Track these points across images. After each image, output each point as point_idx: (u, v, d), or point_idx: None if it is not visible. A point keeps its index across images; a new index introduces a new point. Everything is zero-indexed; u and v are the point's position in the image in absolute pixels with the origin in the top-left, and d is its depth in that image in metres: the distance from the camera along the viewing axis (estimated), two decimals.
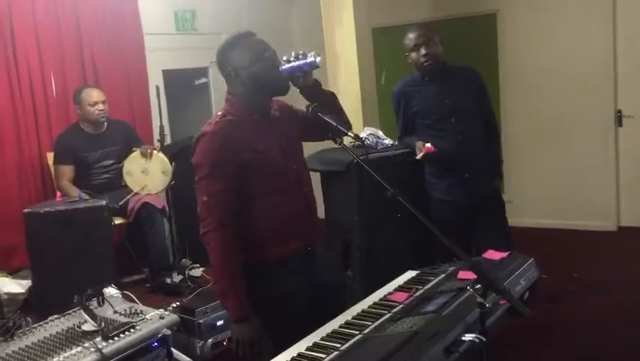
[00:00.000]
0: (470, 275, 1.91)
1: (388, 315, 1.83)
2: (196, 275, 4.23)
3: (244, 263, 2.04)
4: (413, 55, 3.22)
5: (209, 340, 2.92)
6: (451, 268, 2.15)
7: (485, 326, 1.58)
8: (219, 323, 2.98)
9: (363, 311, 1.92)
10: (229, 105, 2.13)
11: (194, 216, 4.60)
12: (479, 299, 1.56)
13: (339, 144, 2.04)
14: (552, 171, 5.41)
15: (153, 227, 4.21)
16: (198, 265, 4.33)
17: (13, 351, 2.34)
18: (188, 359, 2.75)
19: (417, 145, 3.28)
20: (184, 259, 4.34)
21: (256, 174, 2.03)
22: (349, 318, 1.88)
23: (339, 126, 2.02)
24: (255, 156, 2.03)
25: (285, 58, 2.09)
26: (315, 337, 1.78)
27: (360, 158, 2.01)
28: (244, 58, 2.07)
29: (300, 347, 1.73)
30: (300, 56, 2.06)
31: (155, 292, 4.03)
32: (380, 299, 2.00)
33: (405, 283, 2.14)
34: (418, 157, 3.26)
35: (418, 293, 1.98)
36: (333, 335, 1.77)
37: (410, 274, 2.24)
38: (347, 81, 4.63)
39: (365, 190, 3.33)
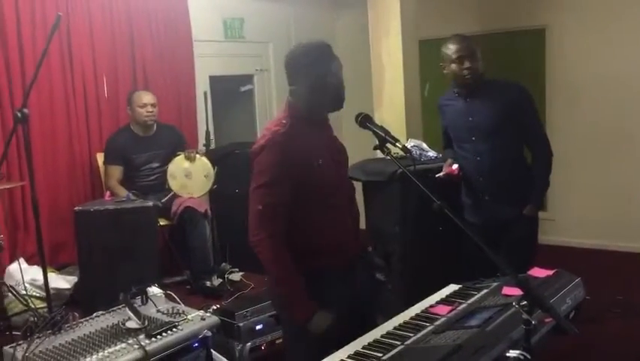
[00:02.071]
0: (515, 291, 1.89)
1: (431, 327, 1.82)
2: (235, 279, 4.27)
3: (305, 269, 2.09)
4: (453, 66, 3.05)
5: (248, 344, 2.94)
6: (495, 284, 2.13)
7: (530, 344, 1.56)
8: (258, 327, 3.01)
9: (405, 322, 1.92)
10: (292, 111, 2.13)
11: (234, 220, 4.70)
12: (525, 316, 1.54)
13: (387, 155, 2.05)
14: (598, 190, 5.30)
15: (195, 230, 4.28)
16: (237, 269, 4.38)
17: (60, 344, 2.39)
18: None
19: (446, 162, 3.22)
20: (224, 263, 4.39)
21: (311, 188, 2.05)
22: (390, 328, 1.89)
23: (387, 136, 2.04)
24: (313, 171, 2.06)
25: None
26: (356, 345, 1.79)
27: (408, 169, 2.01)
28: (321, 67, 2.08)
29: (342, 355, 1.74)
30: None
31: (195, 293, 4.09)
32: (422, 311, 1.99)
33: (447, 296, 2.13)
34: (437, 175, 3.18)
35: (460, 307, 1.96)
36: (375, 345, 1.78)
37: (452, 287, 2.23)
38: (392, 92, 4.65)
39: (407, 202, 3.33)
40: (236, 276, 4.30)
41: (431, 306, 2.03)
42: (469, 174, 3.13)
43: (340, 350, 1.77)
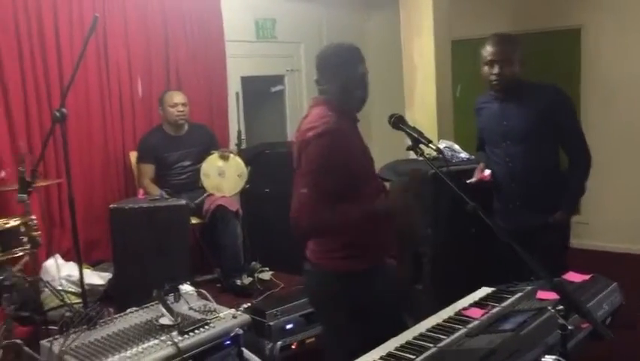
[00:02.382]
0: (550, 295, 1.86)
1: (464, 330, 1.81)
2: (265, 278, 4.30)
3: (334, 270, 2.14)
4: (484, 69, 2.98)
5: (279, 342, 2.96)
6: (529, 288, 2.11)
7: (567, 349, 1.54)
8: (289, 326, 3.02)
9: (437, 325, 1.91)
10: (331, 106, 2.17)
11: (265, 220, 4.73)
12: (561, 321, 1.52)
13: (420, 155, 2.05)
14: (633, 192, 5.19)
15: (227, 229, 4.31)
16: (267, 268, 4.40)
17: (95, 339, 2.43)
18: (258, 359, 2.79)
19: (478, 167, 3.14)
20: (254, 262, 4.42)
21: (354, 181, 2.08)
22: (423, 330, 1.88)
23: (420, 137, 2.03)
24: (356, 163, 2.11)
25: None
26: (388, 347, 1.79)
27: (440, 170, 2.00)
28: (356, 68, 2.18)
29: (374, 356, 1.74)
30: None
31: (225, 292, 4.12)
32: (455, 314, 1.98)
33: (480, 299, 2.11)
34: (468, 181, 3.09)
35: (494, 310, 1.95)
36: (408, 346, 1.77)
37: (485, 290, 2.21)
38: (423, 93, 4.62)
39: (439, 203, 3.31)
40: (266, 275, 4.32)
41: (464, 309, 2.02)
42: (500, 178, 3.05)
43: (372, 352, 1.77)
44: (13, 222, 3.06)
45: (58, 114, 2.94)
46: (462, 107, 5.07)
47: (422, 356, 1.66)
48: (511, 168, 3.00)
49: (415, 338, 1.82)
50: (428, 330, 1.87)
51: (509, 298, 2.06)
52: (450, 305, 2.09)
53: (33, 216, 3.15)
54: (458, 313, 1.98)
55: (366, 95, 2.24)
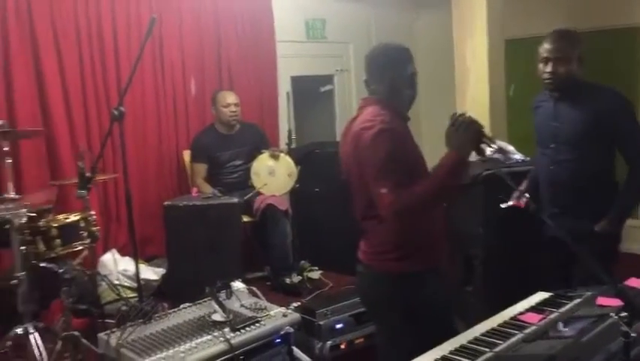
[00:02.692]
0: (611, 302, 1.81)
1: (521, 335, 1.77)
2: (314, 277, 4.32)
3: (386, 271, 2.14)
4: (540, 66, 2.81)
5: (329, 342, 2.96)
6: (588, 293, 2.04)
7: (630, 357, 1.49)
8: (339, 326, 3.02)
9: (492, 329, 1.87)
10: (381, 107, 2.16)
11: (313, 219, 4.74)
12: (624, 328, 1.47)
13: (481, 155, 2.02)
14: None
15: (276, 228, 4.35)
16: (317, 267, 4.42)
17: (151, 333, 2.49)
18: (308, 358, 2.81)
19: (514, 193, 2.90)
20: (303, 261, 4.45)
21: (410, 180, 2.05)
22: (477, 334, 1.85)
23: (482, 138, 2.01)
24: (411, 161, 2.09)
25: None
26: (442, 350, 1.77)
27: (497, 171, 1.97)
28: (405, 68, 2.19)
29: (428, 358, 1.72)
30: None
31: (275, 290, 4.16)
32: (510, 318, 1.94)
33: (537, 304, 2.06)
34: (502, 205, 2.95)
35: (552, 316, 1.90)
36: (462, 350, 1.75)
37: (542, 295, 2.16)
38: (476, 93, 4.56)
39: (492, 204, 3.25)
40: (315, 274, 4.34)
41: (520, 313, 1.97)
42: (546, 181, 2.90)
43: (426, 354, 1.75)
44: (73, 217, 3.16)
45: (116, 113, 3.02)
46: (515, 108, 4.97)
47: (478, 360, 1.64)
48: (552, 172, 2.85)
49: (469, 342, 1.79)
50: (483, 334, 1.84)
51: (567, 303, 2.00)
52: (501, 308, 2.05)
53: (92, 212, 3.25)
54: (514, 318, 1.94)
55: (415, 95, 2.24)
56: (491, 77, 4.49)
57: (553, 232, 2.77)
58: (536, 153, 3.06)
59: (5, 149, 2.72)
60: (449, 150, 2.00)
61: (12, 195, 2.71)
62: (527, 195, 2.81)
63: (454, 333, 1.90)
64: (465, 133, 1.98)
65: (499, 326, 1.90)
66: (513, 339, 1.76)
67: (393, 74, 2.17)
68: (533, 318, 1.90)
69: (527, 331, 1.81)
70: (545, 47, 2.81)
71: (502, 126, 4.67)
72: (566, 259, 2.75)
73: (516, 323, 1.89)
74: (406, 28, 6.53)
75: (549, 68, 2.79)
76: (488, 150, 2.09)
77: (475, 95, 4.55)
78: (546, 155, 2.90)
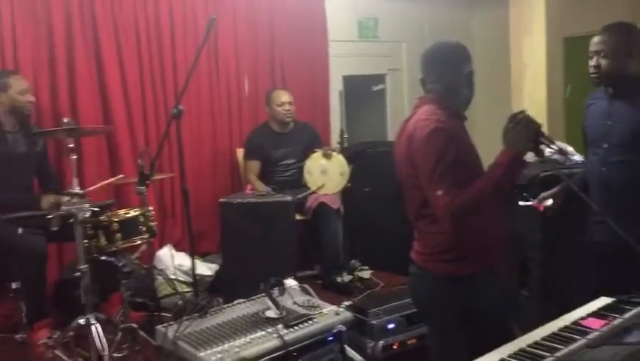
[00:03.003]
0: None
1: (584, 341, 1.72)
2: (365, 277, 4.31)
3: (440, 273, 2.11)
4: (590, 62, 2.67)
5: (381, 342, 2.95)
6: None
7: None
8: (391, 326, 3.00)
9: (553, 334, 1.83)
10: (437, 107, 2.12)
11: (364, 218, 4.73)
12: None
13: (540, 156, 1.98)
14: None
15: (328, 226, 4.36)
16: (367, 267, 4.41)
17: (206, 327, 2.54)
18: (360, 357, 2.81)
19: (540, 196, 2.84)
20: (353, 260, 4.45)
21: (467, 181, 2.02)
22: (537, 339, 1.81)
23: (541, 137, 1.96)
24: (468, 161, 2.04)
25: None
26: (501, 353, 1.74)
27: (557, 173, 1.93)
28: (462, 67, 2.15)
29: None
30: None
31: (326, 288, 4.17)
32: (572, 323, 1.89)
33: (599, 309, 2.00)
34: (520, 202, 2.88)
35: (616, 322, 1.84)
36: (522, 354, 1.71)
37: (604, 300, 2.09)
38: (532, 92, 4.47)
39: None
40: (366, 273, 4.34)
41: (582, 318, 1.92)
42: (595, 184, 2.73)
43: (483, 358, 1.73)
44: (133, 213, 3.25)
45: (175, 111, 3.09)
46: (573, 108, 4.84)
47: None
48: (603, 174, 2.68)
49: (529, 346, 1.76)
50: (543, 338, 1.80)
51: (632, 309, 1.93)
52: (556, 313, 2.00)
53: (150, 207, 3.33)
54: (576, 323, 1.89)
55: (472, 94, 2.20)
56: (549, 76, 4.39)
57: (601, 237, 2.69)
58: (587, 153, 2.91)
59: (70, 146, 2.82)
60: (505, 147, 1.96)
61: (77, 190, 2.80)
62: (551, 200, 2.74)
63: (509, 337, 1.86)
64: (523, 131, 1.94)
65: (560, 330, 1.86)
66: (575, 345, 1.71)
67: (449, 73, 2.14)
68: (596, 323, 1.85)
69: (590, 336, 1.76)
70: (593, 41, 2.67)
71: (559, 126, 4.56)
72: (611, 270, 2.65)
73: (578, 328, 1.84)
74: (461, 26, 6.44)
75: (593, 62, 2.65)
76: (547, 151, 2.04)
77: (533, 94, 4.46)
78: (597, 155, 2.73)
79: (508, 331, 2.13)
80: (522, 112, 1.99)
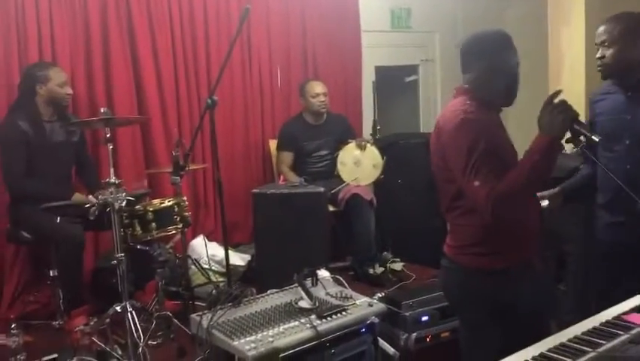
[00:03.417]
0: None
1: (626, 336, 1.68)
2: (397, 269, 4.28)
3: (471, 267, 2.09)
4: (596, 54, 2.55)
5: (414, 334, 2.92)
6: None
7: None
8: (424, 318, 2.97)
9: (594, 328, 1.79)
10: (469, 97, 2.08)
11: (396, 210, 4.69)
12: None
13: (581, 148, 1.92)
14: None
15: (360, 218, 4.34)
16: (399, 259, 4.39)
17: (240, 317, 2.55)
18: (393, 349, 2.79)
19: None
20: (385, 252, 4.42)
21: (500, 174, 1.98)
22: (578, 333, 1.77)
23: (582, 129, 1.91)
24: (498, 155, 1.98)
25: None
26: (540, 347, 1.71)
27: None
28: (509, 60, 2.08)
29: (525, 355, 1.67)
30: None
31: (358, 280, 4.15)
32: (614, 318, 1.85)
33: None
34: None
35: None
36: (562, 349, 1.68)
37: None
38: (570, 82, 4.36)
39: (590, 201, 3.10)
40: (398, 266, 4.30)
41: (624, 313, 1.87)
42: (607, 185, 2.58)
43: (522, 351, 1.69)
44: (167, 202, 3.28)
45: (209, 101, 3.10)
46: None
47: (580, 360, 1.57)
48: (628, 172, 2.50)
49: (570, 341, 1.72)
50: (584, 333, 1.76)
51: None
52: (594, 308, 1.96)
53: (184, 197, 3.36)
54: (618, 318, 1.84)
55: (513, 85, 2.10)
56: (588, 67, 4.27)
57: (614, 238, 2.59)
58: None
59: (107, 135, 2.86)
60: (540, 133, 1.90)
61: (113, 179, 2.84)
62: (547, 202, 2.56)
63: (545, 332, 1.82)
64: (559, 116, 1.87)
65: (601, 325, 1.81)
66: (618, 340, 1.67)
67: (483, 63, 2.07)
68: (639, 319, 1.80)
69: (634, 332, 1.72)
70: (599, 31, 2.58)
71: None
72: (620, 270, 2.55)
73: (620, 324, 1.80)
74: (495, 16, 6.31)
75: (599, 53, 2.55)
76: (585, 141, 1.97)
77: (571, 85, 4.35)
78: (617, 153, 2.55)
79: (544, 326, 2.10)
80: (559, 92, 1.94)
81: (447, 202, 2.15)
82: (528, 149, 1.92)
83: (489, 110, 2.09)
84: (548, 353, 1.66)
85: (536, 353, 1.67)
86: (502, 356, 1.67)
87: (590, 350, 1.63)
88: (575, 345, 1.69)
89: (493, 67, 2.06)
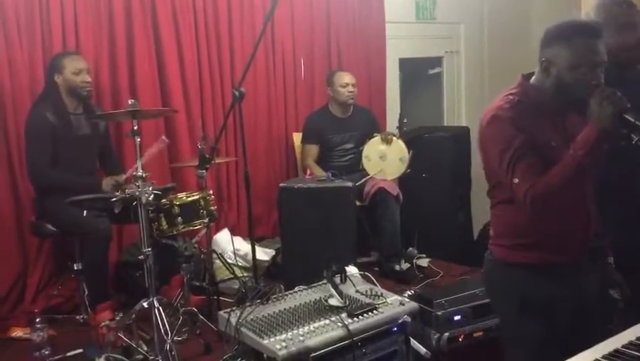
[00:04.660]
0: None
1: None
2: (423, 265, 4.22)
3: (502, 259, 2.04)
4: None
5: (446, 333, 2.86)
6: None
7: None
8: (456, 317, 2.91)
9: None
10: (520, 88, 1.99)
11: (421, 205, 4.62)
12: None
13: (636, 143, 1.82)
14: None
15: (386, 213, 4.27)
16: (425, 255, 4.32)
17: (269, 314, 2.49)
18: (424, 349, 2.73)
19: None
20: (410, 248, 4.35)
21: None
22: (633, 339, 1.69)
23: (630, 119, 1.80)
24: (549, 151, 1.89)
25: None
26: (593, 354, 1.63)
27: None
28: (564, 58, 1.86)
29: None
30: None
31: (384, 276, 4.08)
32: None
33: None
34: None
35: None
36: (616, 355, 1.60)
37: None
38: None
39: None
40: (424, 262, 4.25)
41: None
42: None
43: (576, 357, 1.62)
44: (193, 197, 3.22)
45: (237, 93, 3.04)
46: None
47: None
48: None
49: (624, 347, 1.64)
50: (639, 338, 1.68)
51: None
52: None
53: (210, 191, 3.31)
54: None
55: (584, 95, 1.82)
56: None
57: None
58: None
59: (135, 128, 2.80)
60: (589, 125, 1.80)
61: (140, 172, 2.79)
62: None
63: (592, 335, 1.73)
64: (608, 107, 1.76)
65: None
66: None
67: (546, 55, 1.90)
68: None
69: None
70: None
71: None
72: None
73: None
74: (522, 6, 6.18)
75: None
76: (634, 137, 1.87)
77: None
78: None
79: (595, 332, 1.99)
80: (600, 84, 1.82)
81: (488, 192, 2.12)
82: (574, 142, 1.83)
83: (530, 106, 1.94)
84: (601, 360, 1.58)
85: (590, 360, 1.59)
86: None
87: None
88: (629, 351, 1.61)
89: (550, 60, 1.90)
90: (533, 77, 2.00)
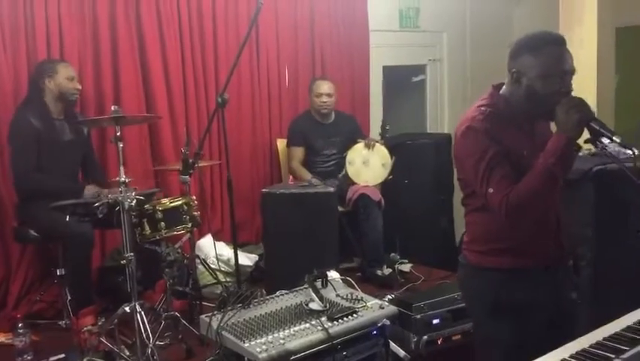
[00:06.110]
0: None
1: None
2: (405, 270, 4.26)
3: (474, 263, 2.09)
4: None
5: (424, 337, 2.90)
6: None
7: None
8: (435, 321, 2.95)
9: (616, 334, 1.75)
10: (491, 99, 2.04)
11: (403, 211, 4.66)
12: None
13: (601, 150, 1.88)
14: None
15: (369, 218, 4.29)
16: (407, 260, 4.36)
17: (250, 318, 2.52)
18: (403, 352, 2.77)
19: None
20: (393, 254, 4.39)
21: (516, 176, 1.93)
22: (600, 339, 1.74)
23: (602, 129, 1.86)
24: (520, 160, 1.94)
25: None
26: (560, 354, 1.67)
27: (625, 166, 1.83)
28: (535, 68, 1.89)
29: None
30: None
31: (366, 281, 4.11)
32: (634, 323, 1.81)
33: None
34: None
35: None
36: (584, 354, 1.65)
37: None
38: (582, 85, 4.25)
39: (602, 203, 3.07)
40: (406, 267, 4.28)
41: None
42: None
43: (543, 357, 1.66)
44: (177, 202, 3.24)
45: (220, 100, 3.07)
46: (623, 100, 4.67)
47: None
48: None
49: (592, 347, 1.69)
50: (606, 339, 1.72)
51: None
52: (609, 313, 1.91)
53: (193, 197, 3.33)
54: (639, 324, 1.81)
55: (552, 104, 1.86)
56: (600, 68, 4.23)
57: None
58: None
59: (118, 134, 2.82)
60: (556, 133, 1.86)
61: (123, 178, 2.81)
62: None
63: (548, 338, 1.81)
64: (575, 115, 1.81)
65: (622, 330, 1.78)
66: None
67: (516, 66, 1.94)
68: None
69: None
70: None
71: (609, 119, 4.40)
72: None
73: None
74: (505, 15, 6.28)
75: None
76: (605, 141, 1.92)
77: (582, 86, 4.23)
78: None
79: (556, 331, 2.04)
80: (569, 92, 1.88)
81: (462, 200, 2.17)
82: (544, 151, 1.88)
83: (501, 117, 1.99)
84: (569, 359, 1.63)
85: (557, 359, 1.63)
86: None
87: (613, 355, 1.60)
88: (597, 351, 1.66)
89: (518, 72, 1.95)
90: (503, 88, 2.05)
